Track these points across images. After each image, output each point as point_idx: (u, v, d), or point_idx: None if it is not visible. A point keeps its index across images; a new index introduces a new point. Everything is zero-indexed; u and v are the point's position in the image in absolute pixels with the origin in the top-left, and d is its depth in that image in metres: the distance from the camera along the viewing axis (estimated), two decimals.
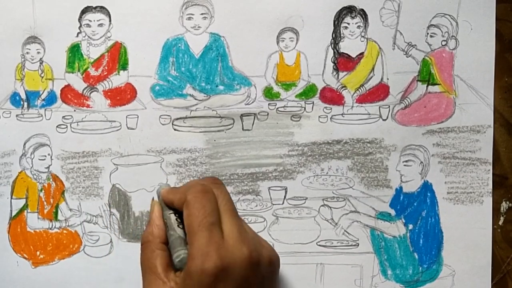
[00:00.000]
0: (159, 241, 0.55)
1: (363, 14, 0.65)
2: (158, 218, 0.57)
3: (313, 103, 0.66)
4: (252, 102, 0.66)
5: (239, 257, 0.51)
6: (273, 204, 0.66)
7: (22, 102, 0.66)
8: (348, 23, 0.65)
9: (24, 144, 0.65)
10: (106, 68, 0.66)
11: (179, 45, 0.65)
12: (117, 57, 0.66)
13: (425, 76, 0.66)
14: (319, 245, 0.66)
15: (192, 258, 0.51)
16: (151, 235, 0.56)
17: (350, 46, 0.66)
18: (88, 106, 0.66)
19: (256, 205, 0.66)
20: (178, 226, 0.55)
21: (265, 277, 0.54)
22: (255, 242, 0.54)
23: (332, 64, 0.66)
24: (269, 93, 0.66)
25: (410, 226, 0.66)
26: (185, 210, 0.54)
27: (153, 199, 0.59)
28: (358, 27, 0.65)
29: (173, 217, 0.55)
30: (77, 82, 0.66)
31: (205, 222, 0.52)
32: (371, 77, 0.66)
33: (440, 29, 0.65)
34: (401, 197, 0.66)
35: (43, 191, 0.66)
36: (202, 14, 0.65)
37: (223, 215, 0.54)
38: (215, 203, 0.54)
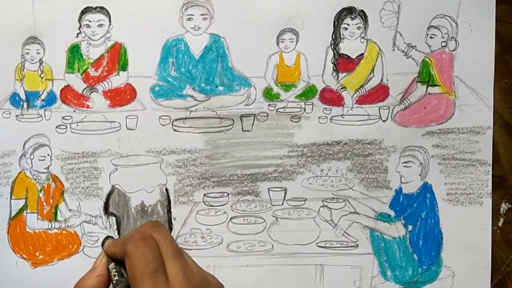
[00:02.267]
0: None
1: (363, 15, 0.65)
2: (101, 268, 0.55)
3: (312, 104, 0.66)
4: (252, 103, 0.66)
5: None
6: (273, 205, 0.66)
7: (21, 103, 0.66)
8: (348, 24, 0.65)
9: (24, 144, 0.65)
10: (106, 68, 0.66)
11: (179, 45, 0.65)
12: (117, 57, 0.65)
13: (425, 77, 0.66)
14: (319, 246, 0.66)
15: None
16: (85, 285, 0.54)
17: (350, 47, 0.66)
18: (87, 106, 0.66)
19: (256, 206, 0.66)
20: (123, 277, 0.53)
21: None
22: (201, 281, 0.53)
23: (332, 65, 0.66)
24: (269, 94, 0.66)
25: (410, 227, 0.66)
26: (126, 261, 0.52)
27: (102, 244, 0.57)
28: (358, 28, 0.65)
29: (117, 269, 0.54)
30: (77, 83, 0.66)
31: (147, 270, 0.50)
32: (371, 78, 0.66)
33: (440, 30, 0.65)
34: (401, 198, 0.66)
35: (42, 192, 0.66)
36: (202, 15, 0.65)
37: (166, 259, 0.52)
38: (156, 248, 0.52)
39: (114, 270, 0.54)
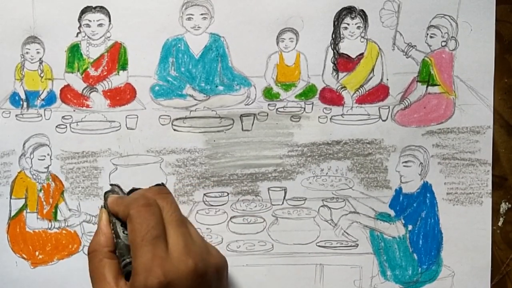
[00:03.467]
0: (107, 250, 0.55)
1: (363, 14, 0.65)
2: (105, 226, 0.56)
3: (312, 103, 0.66)
4: (252, 103, 0.66)
5: (184, 271, 0.51)
6: (273, 205, 0.66)
7: (21, 102, 0.66)
8: (348, 24, 0.65)
9: (24, 144, 0.65)
10: (106, 68, 0.66)
11: (179, 45, 0.65)
12: (117, 57, 0.65)
13: (425, 77, 0.66)
14: (319, 246, 0.66)
15: (136, 274, 0.50)
16: (98, 244, 0.55)
17: (350, 46, 0.66)
18: (87, 106, 0.66)
19: (256, 206, 0.66)
20: (124, 233, 0.55)
21: (212, 285, 0.54)
22: (201, 252, 0.54)
23: (332, 65, 0.66)
24: (268, 94, 0.66)
25: (410, 227, 0.66)
26: (129, 224, 0.53)
27: (101, 206, 0.59)
28: (358, 27, 0.65)
29: (119, 225, 0.55)
30: (77, 82, 0.66)
31: (148, 237, 0.51)
32: (370, 78, 0.66)
33: (440, 30, 0.65)
34: (401, 198, 0.66)
35: (42, 191, 0.66)
36: (202, 14, 0.65)
37: (168, 227, 0.53)
38: (159, 215, 0.53)
39: (117, 224, 0.56)
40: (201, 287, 0.52)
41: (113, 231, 0.56)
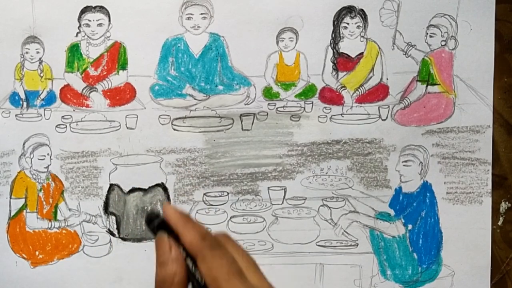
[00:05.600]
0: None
1: (363, 14, 0.65)
2: (176, 261, 0.43)
3: (312, 103, 0.66)
4: (252, 102, 0.66)
5: None
6: (273, 204, 0.66)
7: (21, 102, 0.65)
8: (348, 23, 0.65)
9: (24, 144, 0.65)
10: (106, 68, 0.66)
11: (179, 45, 0.65)
12: (117, 57, 0.65)
13: (425, 76, 0.66)
14: (319, 245, 0.66)
15: None
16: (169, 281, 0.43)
17: (349, 46, 0.66)
18: (87, 106, 0.66)
19: (256, 205, 0.66)
20: (195, 268, 0.43)
21: None
22: None
23: (332, 64, 0.66)
24: (268, 93, 0.66)
25: (410, 226, 0.66)
26: (203, 264, 0.43)
27: (156, 230, 0.42)
28: (358, 27, 0.65)
29: (189, 259, 0.43)
30: (77, 82, 0.66)
31: (233, 271, 0.43)
32: (370, 77, 0.66)
33: (439, 29, 0.65)
34: (401, 197, 0.66)
35: (42, 191, 0.66)
36: (201, 14, 0.65)
37: (246, 269, 0.44)
38: (233, 256, 0.44)
39: (188, 259, 0.43)
40: None
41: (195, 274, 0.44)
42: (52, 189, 0.66)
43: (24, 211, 0.66)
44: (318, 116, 0.66)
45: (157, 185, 0.63)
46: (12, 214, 0.66)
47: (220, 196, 0.66)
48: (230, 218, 0.66)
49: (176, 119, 0.66)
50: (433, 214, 0.66)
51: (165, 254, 0.44)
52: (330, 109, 0.66)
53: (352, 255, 0.66)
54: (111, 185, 0.64)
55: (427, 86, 0.66)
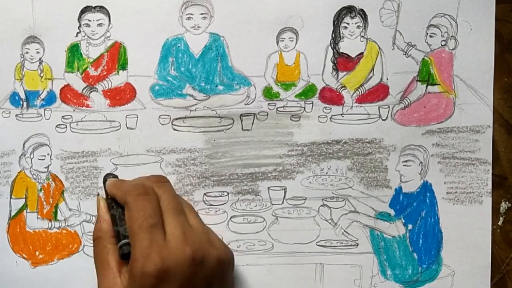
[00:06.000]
0: (110, 235, 0.56)
1: (363, 14, 0.65)
2: (105, 213, 0.58)
3: (312, 103, 0.66)
4: (252, 102, 0.66)
5: (181, 258, 0.51)
6: (273, 204, 0.66)
7: (21, 102, 0.66)
8: (348, 23, 0.65)
9: (24, 144, 0.65)
10: (106, 68, 0.66)
11: (179, 45, 0.65)
12: (117, 57, 0.65)
13: (425, 76, 0.66)
14: (319, 245, 0.66)
15: (134, 260, 0.51)
16: (101, 230, 0.57)
17: (349, 46, 0.66)
18: (87, 106, 0.66)
19: (256, 205, 0.66)
20: (122, 217, 0.56)
21: (212, 277, 0.54)
22: (201, 241, 0.54)
23: (332, 64, 0.66)
24: (268, 93, 0.66)
25: (410, 226, 0.66)
26: (126, 212, 0.54)
27: (98, 194, 0.61)
28: (358, 27, 0.65)
29: (118, 211, 0.57)
30: (77, 82, 0.66)
31: (145, 225, 0.52)
32: (370, 77, 0.66)
33: (439, 29, 0.65)
34: (401, 197, 0.66)
35: (42, 191, 0.66)
36: (201, 14, 0.65)
37: (165, 216, 0.54)
38: (156, 204, 0.54)
39: (114, 212, 0.57)
40: (199, 275, 0.52)
41: (112, 216, 0.57)
42: (52, 189, 0.66)
43: (25, 211, 0.66)
44: (318, 116, 0.66)
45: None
46: (13, 214, 0.66)
47: (220, 196, 0.66)
48: (230, 218, 0.66)
49: (176, 119, 0.66)
50: (433, 214, 0.66)
51: (100, 210, 0.58)
52: (330, 109, 0.66)
53: (352, 255, 0.66)
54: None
55: (427, 86, 0.66)
